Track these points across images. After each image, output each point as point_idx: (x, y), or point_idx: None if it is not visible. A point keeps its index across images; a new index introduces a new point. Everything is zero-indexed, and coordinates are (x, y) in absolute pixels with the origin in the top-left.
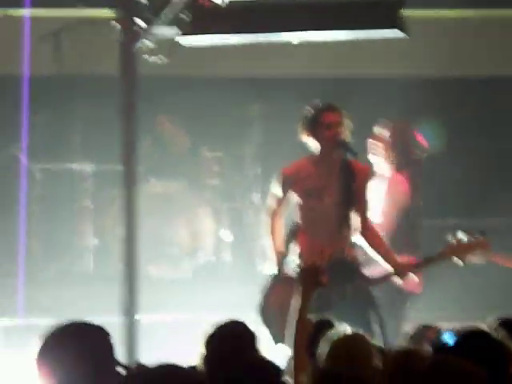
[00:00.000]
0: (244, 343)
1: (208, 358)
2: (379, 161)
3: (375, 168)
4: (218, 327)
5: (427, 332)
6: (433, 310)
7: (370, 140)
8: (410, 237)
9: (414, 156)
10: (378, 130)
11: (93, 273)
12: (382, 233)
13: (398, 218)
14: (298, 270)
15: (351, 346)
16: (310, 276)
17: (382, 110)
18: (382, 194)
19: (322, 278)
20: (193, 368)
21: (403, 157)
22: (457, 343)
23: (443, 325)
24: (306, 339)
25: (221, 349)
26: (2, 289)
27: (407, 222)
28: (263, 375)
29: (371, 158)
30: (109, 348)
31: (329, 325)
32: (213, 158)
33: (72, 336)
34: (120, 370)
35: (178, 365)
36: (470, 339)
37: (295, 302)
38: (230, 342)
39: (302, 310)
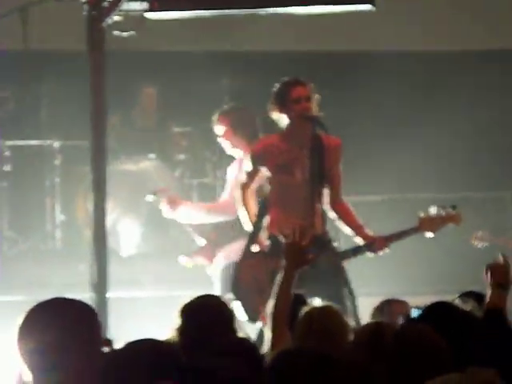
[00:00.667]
0: (220, 316)
1: (183, 329)
2: (227, 141)
3: (232, 153)
4: (195, 299)
5: (393, 306)
6: (403, 285)
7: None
8: None
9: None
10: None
11: (62, 249)
12: (224, 212)
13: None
14: (283, 246)
15: (327, 319)
16: (295, 253)
17: (349, 82)
18: (233, 174)
19: (307, 255)
20: (167, 340)
21: (251, 130)
22: (423, 315)
23: (409, 299)
24: (287, 317)
25: (197, 320)
26: None
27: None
28: (242, 353)
29: (225, 145)
30: (96, 326)
31: (304, 300)
32: (182, 133)
33: (56, 313)
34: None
35: (152, 339)
36: (435, 311)
37: (278, 279)
38: (206, 313)
39: (286, 287)
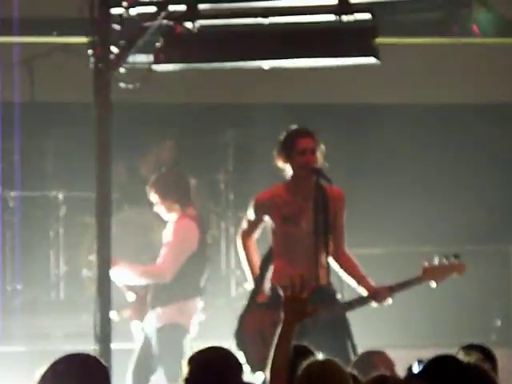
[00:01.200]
0: (228, 368)
1: (191, 379)
2: (161, 208)
3: (163, 216)
4: (203, 350)
5: (372, 357)
6: (404, 337)
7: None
8: (196, 279)
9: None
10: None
11: (65, 300)
12: (157, 277)
13: (184, 264)
14: (283, 299)
15: (327, 374)
16: (294, 306)
17: (353, 136)
18: (168, 237)
19: (306, 308)
20: None
21: (180, 194)
22: (426, 368)
23: (410, 352)
24: (286, 370)
25: (205, 370)
26: None
27: (193, 266)
28: None
29: (160, 211)
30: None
31: (307, 352)
32: None
33: (72, 369)
34: None
35: None
36: (438, 364)
37: (278, 331)
38: (214, 364)
39: (285, 341)
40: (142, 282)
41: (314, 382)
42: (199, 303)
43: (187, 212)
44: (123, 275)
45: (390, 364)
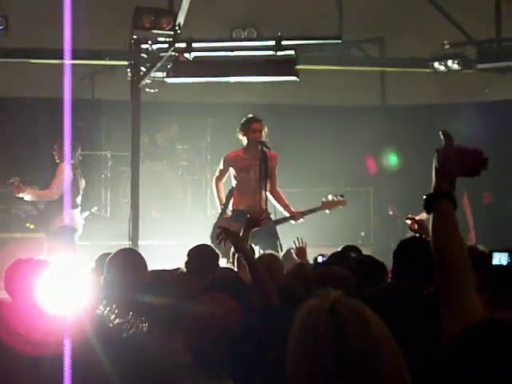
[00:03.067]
0: (211, 255)
1: (189, 263)
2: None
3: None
4: (196, 246)
5: (289, 252)
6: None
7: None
8: (75, 198)
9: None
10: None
11: (111, 215)
12: (47, 197)
13: (63, 192)
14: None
15: (271, 261)
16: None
17: (286, 125)
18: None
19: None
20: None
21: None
22: (328, 259)
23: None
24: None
25: (197, 258)
26: None
27: (72, 189)
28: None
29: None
30: (144, 265)
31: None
32: (182, 149)
33: (122, 256)
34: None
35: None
36: (336, 257)
37: (241, 235)
38: (203, 253)
39: (246, 240)
40: (41, 200)
41: (265, 266)
42: (79, 213)
43: (65, 162)
44: (28, 196)
45: (292, 258)
